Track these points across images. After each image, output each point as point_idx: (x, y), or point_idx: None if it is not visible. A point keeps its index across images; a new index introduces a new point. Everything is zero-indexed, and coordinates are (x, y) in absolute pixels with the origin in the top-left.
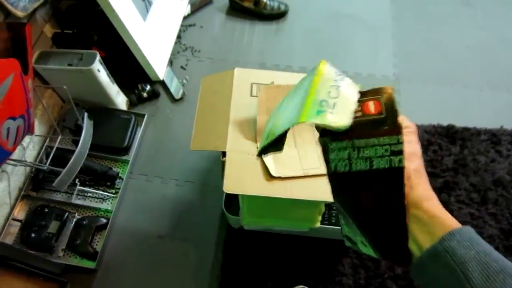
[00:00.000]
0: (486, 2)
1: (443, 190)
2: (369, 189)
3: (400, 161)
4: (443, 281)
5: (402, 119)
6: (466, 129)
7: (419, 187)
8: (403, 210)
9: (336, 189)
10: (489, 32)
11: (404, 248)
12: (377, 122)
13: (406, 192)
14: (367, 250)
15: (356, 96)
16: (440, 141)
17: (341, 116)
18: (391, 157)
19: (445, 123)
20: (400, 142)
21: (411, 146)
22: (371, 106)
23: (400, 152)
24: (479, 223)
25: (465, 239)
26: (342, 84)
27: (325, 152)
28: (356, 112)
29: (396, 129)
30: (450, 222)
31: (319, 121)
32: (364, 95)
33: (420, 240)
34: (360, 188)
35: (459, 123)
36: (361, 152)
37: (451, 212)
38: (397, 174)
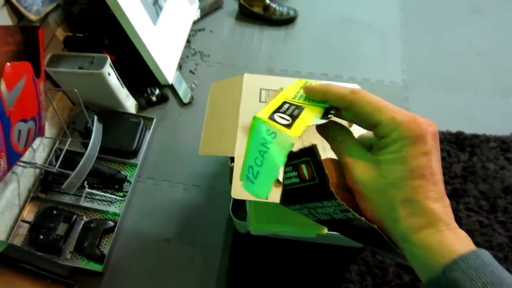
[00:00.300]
0: (496, 9)
1: (451, 198)
2: (345, 231)
3: (354, 215)
4: None
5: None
6: (475, 136)
7: (407, 220)
8: (386, 244)
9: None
10: (499, 39)
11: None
12: (312, 188)
13: (389, 228)
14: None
15: (280, 163)
16: (449, 148)
17: (262, 188)
18: (344, 213)
19: (454, 129)
20: (340, 204)
21: (404, 167)
22: (304, 170)
23: (348, 210)
24: (488, 231)
25: (471, 267)
26: (271, 146)
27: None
28: (292, 178)
29: (331, 196)
30: (455, 246)
31: (246, 189)
32: (297, 156)
33: (420, 271)
34: (339, 230)
35: (468, 130)
36: (317, 210)
37: (459, 220)
38: (359, 223)
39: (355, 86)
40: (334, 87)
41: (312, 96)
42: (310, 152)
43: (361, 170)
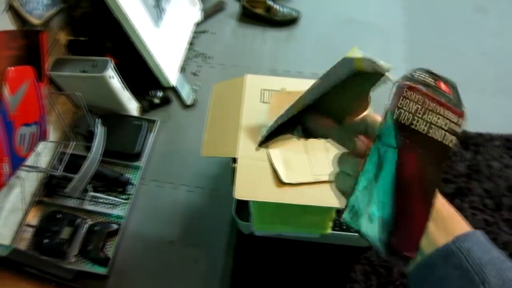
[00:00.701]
0: (500, 8)
1: (456, 196)
2: (416, 151)
3: (452, 141)
4: (452, 283)
5: None
6: (479, 135)
7: None
8: (435, 189)
9: None
10: (504, 39)
11: (418, 235)
12: (448, 98)
13: None
14: (369, 228)
15: None
16: None
17: None
18: (446, 133)
19: None
20: (458, 124)
21: None
22: (443, 86)
23: (456, 133)
24: (493, 229)
25: (481, 242)
26: None
27: (397, 97)
28: (431, 82)
29: (460, 112)
30: (466, 224)
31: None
32: (434, 75)
33: (435, 235)
34: (408, 147)
35: (472, 128)
36: (427, 113)
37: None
38: (443, 151)
39: None
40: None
41: None
42: (454, 85)
43: None
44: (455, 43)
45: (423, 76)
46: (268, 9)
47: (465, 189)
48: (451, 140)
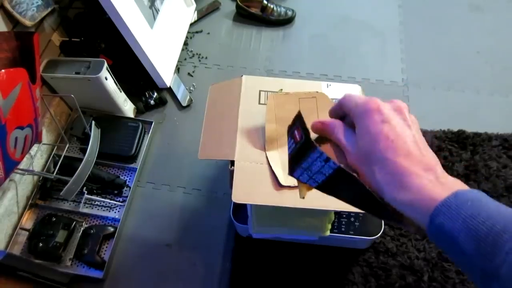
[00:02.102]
0: (495, 7)
1: None
2: (343, 195)
3: (334, 163)
4: (452, 254)
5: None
6: (477, 135)
7: (385, 180)
8: (377, 200)
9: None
10: (500, 37)
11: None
12: (302, 146)
13: (380, 192)
14: None
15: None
16: (451, 146)
17: None
18: (330, 166)
19: (455, 128)
20: (321, 153)
21: (370, 135)
22: (296, 135)
23: (329, 159)
24: None
25: (452, 208)
26: None
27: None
28: (291, 146)
29: (312, 145)
30: (435, 193)
31: None
32: (292, 126)
33: (414, 224)
34: (338, 193)
35: (470, 128)
36: (312, 170)
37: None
38: (342, 173)
39: (356, 86)
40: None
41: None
42: (298, 117)
43: (351, 146)
44: (451, 42)
45: (290, 145)
46: (263, 8)
47: None
48: (333, 163)
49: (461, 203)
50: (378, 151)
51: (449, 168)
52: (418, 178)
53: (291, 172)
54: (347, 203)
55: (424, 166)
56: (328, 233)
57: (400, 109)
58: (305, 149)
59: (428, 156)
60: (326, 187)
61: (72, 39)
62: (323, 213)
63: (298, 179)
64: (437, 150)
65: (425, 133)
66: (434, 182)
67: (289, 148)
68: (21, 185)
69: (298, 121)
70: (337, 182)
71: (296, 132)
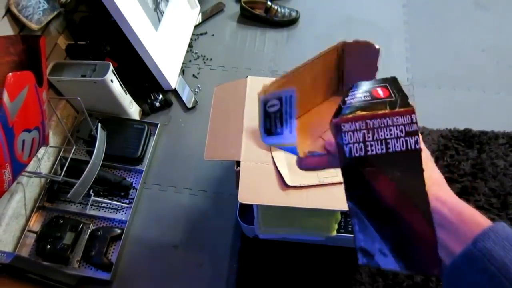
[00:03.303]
0: (500, 5)
1: (461, 196)
2: (387, 174)
3: (416, 142)
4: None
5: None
6: (483, 133)
7: (435, 172)
8: (426, 198)
9: (351, 182)
10: (505, 35)
11: (433, 251)
12: (388, 103)
13: (426, 177)
14: (387, 262)
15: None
16: (457, 145)
17: None
18: (407, 138)
19: (461, 127)
20: (414, 122)
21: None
22: (380, 91)
23: (415, 133)
24: None
25: (502, 237)
26: None
27: (339, 135)
28: (365, 97)
29: (409, 109)
30: (479, 218)
31: None
32: (368, 85)
33: (449, 244)
34: (377, 175)
35: (476, 127)
36: (376, 133)
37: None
38: (414, 157)
39: None
40: None
41: None
42: (387, 79)
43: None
44: (456, 40)
45: (354, 96)
46: (267, 10)
47: (470, 188)
48: (415, 141)
49: (510, 232)
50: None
51: (455, 167)
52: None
53: (344, 114)
54: (367, 210)
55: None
56: (335, 233)
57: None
58: (391, 107)
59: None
60: (368, 165)
61: (78, 42)
62: (330, 213)
63: (346, 134)
64: (444, 149)
65: (431, 132)
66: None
67: (354, 98)
68: (29, 188)
69: (389, 81)
70: (391, 165)
71: (379, 90)
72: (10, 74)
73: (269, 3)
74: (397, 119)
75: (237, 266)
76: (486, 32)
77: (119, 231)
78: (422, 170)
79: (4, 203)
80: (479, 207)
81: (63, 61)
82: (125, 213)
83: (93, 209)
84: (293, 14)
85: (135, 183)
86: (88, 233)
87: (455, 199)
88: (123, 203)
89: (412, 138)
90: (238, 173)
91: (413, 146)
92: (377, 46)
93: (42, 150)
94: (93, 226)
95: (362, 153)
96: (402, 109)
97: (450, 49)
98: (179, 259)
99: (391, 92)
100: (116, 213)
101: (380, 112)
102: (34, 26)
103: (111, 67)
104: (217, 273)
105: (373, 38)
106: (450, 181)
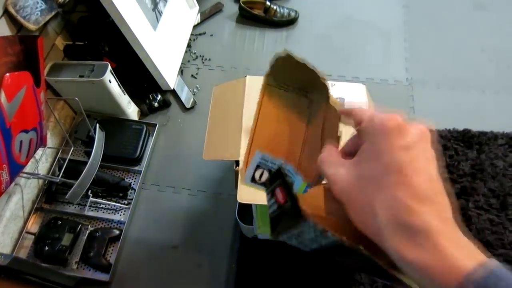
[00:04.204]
0: (500, 5)
1: (460, 196)
2: (343, 259)
3: (333, 234)
4: None
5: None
6: (482, 134)
7: (392, 229)
8: (380, 268)
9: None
10: (504, 35)
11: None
12: (288, 212)
13: (380, 242)
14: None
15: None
16: (456, 146)
17: None
18: (325, 237)
19: (460, 127)
20: (315, 225)
21: (379, 162)
22: (279, 195)
23: (325, 231)
24: (499, 229)
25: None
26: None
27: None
28: (272, 205)
29: (302, 218)
30: (459, 261)
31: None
32: (272, 181)
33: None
34: (338, 256)
35: (475, 127)
36: (303, 237)
37: (469, 218)
38: (343, 247)
39: (360, 85)
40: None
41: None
42: (279, 174)
43: (341, 175)
44: (455, 41)
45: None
46: (266, 10)
47: (470, 188)
48: (332, 236)
49: (495, 284)
50: (387, 184)
51: (455, 167)
52: (437, 234)
53: (276, 236)
54: (343, 264)
55: (441, 217)
56: (301, 192)
57: (425, 136)
58: (293, 217)
59: (445, 203)
60: (320, 253)
61: (76, 43)
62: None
63: (282, 240)
64: (443, 150)
65: (430, 132)
66: (450, 239)
67: (269, 206)
68: (27, 189)
69: (280, 180)
70: (335, 252)
71: (278, 192)
72: (8, 74)
73: (268, 3)
74: (303, 225)
75: (236, 266)
76: (486, 33)
77: (117, 232)
78: (363, 253)
79: (1, 204)
80: (478, 208)
81: (61, 62)
82: (124, 214)
83: (92, 210)
84: (292, 14)
85: (133, 184)
86: (87, 234)
87: (424, 255)
88: (121, 203)
89: (327, 234)
90: (237, 173)
91: (335, 240)
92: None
93: (40, 151)
94: (92, 227)
95: (309, 249)
96: (297, 219)
97: (450, 49)
98: (178, 259)
99: (285, 193)
100: (115, 214)
101: (288, 224)
102: (31, 26)
103: (109, 68)
104: (216, 274)
105: (372, 38)
106: (449, 181)
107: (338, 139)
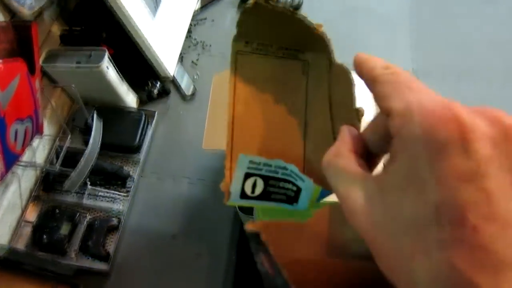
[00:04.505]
0: None
1: None
2: None
3: None
4: None
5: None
6: None
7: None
8: None
9: None
10: None
11: None
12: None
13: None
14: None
15: None
16: None
17: None
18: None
19: None
20: None
21: (421, 200)
22: (265, 263)
23: None
24: None
25: None
26: None
27: None
28: (260, 265)
29: None
30: None
31: None
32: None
33: None
34: None
35: None
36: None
37: None
38: None
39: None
40: (370, 59)
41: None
42: (255, 238)
43: (358, 199)
44: (463, 31)
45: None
46: None
47: None
48: None
49: None
50: (436, 239)
51: None
52: None
53: None
54: None
55: None
56: (315, 201)
57: (506, 144)
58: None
59: None
60: None
61: (73, 29)
62: (331, 203)
63: None
64: None
65: None
66: None
67: (256, 261)
68: (24, 178)
69: (258, 246)
70: None
71: (264, 260)
72: (0, 61)
73: None
74: None
75: (236, 257)
76: (494, 24)
77: (116, 221)
78: None
79: None
80: None
81: (57, 48)
82: (123, 203)
83: (90, 199)
84: (295, 1)
85: (132, 173)
86: (85, 224)
87: None
88: (120, 192)
89: None
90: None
91: None
92: None
93: (36, 140)
94: (90, 216)
95: None
96: None
97: (457, 40)
98: (177, 249)
99: (273, 268)
100: (114, 203)
101: None
102: (26, 12)
103: (107, 54)
104: (216, 264)
105: (377, 26)
106: None
107: (356, 116)
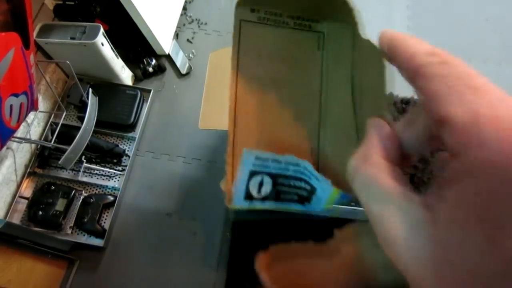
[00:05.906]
0: None
1: None
2: None
3: None
4: None
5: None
6: None
7: None
8: None
9: None
10: (510, 5)
11: None
12: None
13: None
14: None
15: None
16: None
17: None
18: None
19: None
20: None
21: (489, 248)
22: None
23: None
24: None
25: None
26: None
27: None
28: None
29: None
30: None
31: None
32: None
33: None
34: None
35: None
36: None
37: None
38: None
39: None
40: (408, 41)
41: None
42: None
43: (394, 224)
44: (460, 9)
45: None
46: None
47: None
48: None
49: None
50: None
51: None
52: None
53: None
54: None
55: None
56: (332, 204)
57: None
58: None
59: None
60: None
61: (66, 2)
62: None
63: None
64: None
65: None
66: None
67: None
68: (19, 153)
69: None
70: None
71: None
72: None
73: None
74: None
75: (230, 235)
76: (491, 1)
77: (112, 198)
78: None
79: None
80: None
81: (51, 22)
82: (118, 180)
83: (85, 176)
84: None
85: (128, 150)
86: (81, 200)
87: None
88: (115, 170)
89: None
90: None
91: None
92: None
93: (31, 115)
94: (86, 193)
95: None
96: None
97: (453, 18)
98: (173, 227)
99: None
100: (109, 180)
101: None
102: None
103: (102, 30)
104: (211, 242)
105: (374, 5)
106: None
107: (387, 105)
